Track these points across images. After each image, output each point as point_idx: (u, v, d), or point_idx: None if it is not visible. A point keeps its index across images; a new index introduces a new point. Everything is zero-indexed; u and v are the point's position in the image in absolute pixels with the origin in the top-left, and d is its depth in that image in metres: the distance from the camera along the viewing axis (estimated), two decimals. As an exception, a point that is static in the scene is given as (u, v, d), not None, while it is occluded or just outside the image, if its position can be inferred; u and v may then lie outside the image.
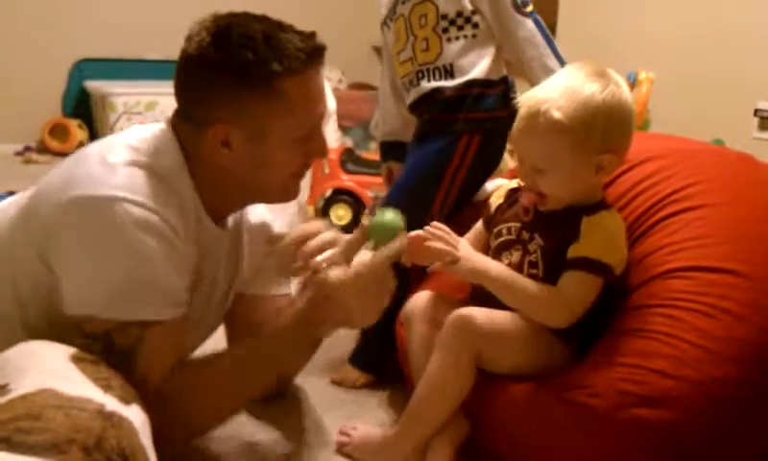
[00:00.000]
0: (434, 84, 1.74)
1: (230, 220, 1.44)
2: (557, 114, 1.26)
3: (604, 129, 1.28)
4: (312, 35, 1.30)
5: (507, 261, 1.39)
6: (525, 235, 1.38)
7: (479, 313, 1.33)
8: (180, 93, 1.31)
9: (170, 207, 1.23)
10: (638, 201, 1.47)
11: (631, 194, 1.49)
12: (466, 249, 1.37)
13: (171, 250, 1.22)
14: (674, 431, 1.19)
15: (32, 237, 1.24)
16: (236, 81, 1.24)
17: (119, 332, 1.18)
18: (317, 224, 1.36)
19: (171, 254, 1.22)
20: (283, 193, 1.39)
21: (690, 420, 1.19)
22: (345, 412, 1.60)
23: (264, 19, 1.29)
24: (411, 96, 1.80)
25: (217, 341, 1.56)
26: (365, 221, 1.30)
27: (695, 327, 1.24)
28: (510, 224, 1.42)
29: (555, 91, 1.29)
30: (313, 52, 1.29)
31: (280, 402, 1.60)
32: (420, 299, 1.51)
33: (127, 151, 1.25)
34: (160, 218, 1.20)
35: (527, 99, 1.32)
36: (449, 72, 1.73)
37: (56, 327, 1.20)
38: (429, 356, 1.38)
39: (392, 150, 2.00)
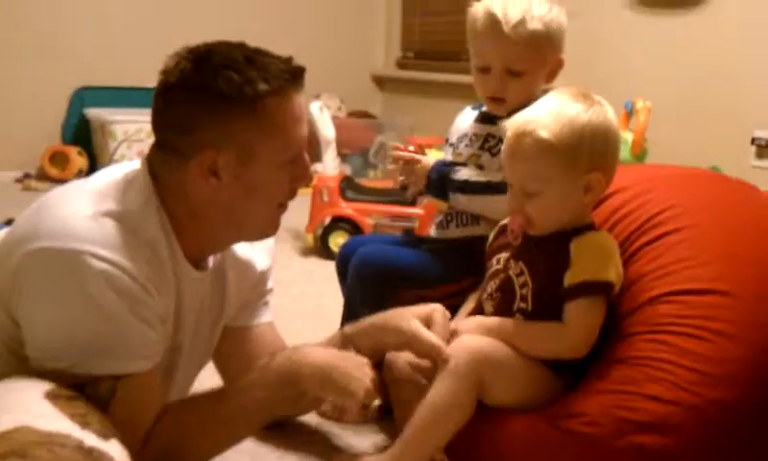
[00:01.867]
0: (461, 231, 1.71)
1: (211, 260, 1.40)
2: (544, 134, 1.27)
3: (590, 147, 1.29)
4: (289, 58, 1.29)
5: (492, 289, 1.40)
6: (511, 263, 1.38)
7: (488, 342, 1.32)
8: (162, 125, 1.28)
9: (138, 258, 1.20)
10: (617, 230, 1.47)
11: (608, 224, 1.49)
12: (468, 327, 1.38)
13: (137, 304, 1.19)
14: (672, 456, 1.18)
15: None
16: (222, 102, 1.21)
17: (91, 386, 1.16)
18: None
19: (137, 308, 1.19)
20: (267, 226, 1.37)
21: (688, 444, 1.19)
22: (342, 439, 1.59)
23: (242, 45, 1.27)
24: (437, 231, 1.77)
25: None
26: None
27: (687, 350, 1.24)
28: (499, 255, 1.43)
29: (540, 113, 1.30)
30: (295, 72, 1.27)
31: (279, 430, 1.59)
32: None
33: (95, 198, 1.22)
34: (125, 272, 1.17)
35: (513, 122, 1.33)
36: (476, 219, 1.70)
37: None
38: (412, 387, 1.39)
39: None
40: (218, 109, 1.22)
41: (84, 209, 1.20)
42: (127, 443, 1.10)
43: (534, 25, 1.58)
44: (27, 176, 4.44)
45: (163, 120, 1.27)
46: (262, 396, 1.32)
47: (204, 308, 1.41)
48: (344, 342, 1.49)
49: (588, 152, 1.29)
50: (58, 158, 4.50)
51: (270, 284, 1.60)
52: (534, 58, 1.61)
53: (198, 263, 1.35)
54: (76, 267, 1.15)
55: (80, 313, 1.16)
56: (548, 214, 1.32)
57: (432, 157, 1.84)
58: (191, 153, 1.24)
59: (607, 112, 1.32)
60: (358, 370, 1.32)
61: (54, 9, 4.45)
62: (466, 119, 1.78)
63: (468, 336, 1.35)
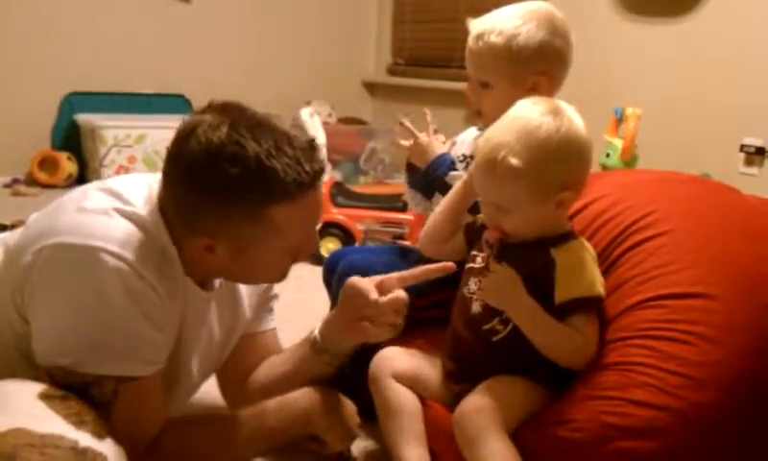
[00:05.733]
0: None
1: (217, 281, 1.42)
2: (514, 161, 1.25)
3: (562, 168, 1.28)
4: (311, 150, 1.24)
5: (475, 288, 1.39)
6: (491, 263, 1.37)
7: (479, 396, 1.30)
8: (169, 183, 1.25)
9: (150, 261, 1.21)
10: (599, 236, 1.47)
11: (589, 231, 1.49)
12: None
13: (147, 304, 1.20)
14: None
15: (8, 287, 1.23)
16: (224, 202, 1.20)
17: (95, 386, 1.16)
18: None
19: (147, 309, 1.20)
20: (272, 281, 1.46)
21: (674, 448, 1.19)
22: None
23: (266, 129, 1.21)
24: None
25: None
26: None
27: (671, 355, 1.24)
28: (477, 253, 1.43)
29: (510, 134, 1.28)
30: (311, 178, 1.23)
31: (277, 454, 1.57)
32: (389, 352, 1.50)
33: (109, 199, 1.23)
34: (137, 272, 1.18)
35: (485, 143, 1.31)
36: None
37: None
38: (395, 400, 1.42)
39: None
40: (218, 208, 1.21)
41: (100, 209, 1.22)
42: (126, 446, 1.11)
43: (492, 38, 1.57)
44: (16, 181, 4.41)
45: (170, 183, 1.25)
46: (275, 426, 1.39)
47: (211, 326, 1.42)
48: (315, 348, 1.49)
49: (560, 174, 1.28)
50: (47, 164, 4.47)
51: (275, 290, 1.61)
52: (499, 71, 1.59)
53: (203, 285, 1.37)
54: (91, 262, 1.16)
55: (91, 308, 1.16)
56: (523, 228, 1.33)
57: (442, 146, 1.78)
58: (192, 229, 1.24)
59: (578, 127, 1.29)
60: (353, 418, 1.47)
61: (44, 14, 4.43)
62: (467, 139, 1.78)
63: (472, 397, 1.30)
